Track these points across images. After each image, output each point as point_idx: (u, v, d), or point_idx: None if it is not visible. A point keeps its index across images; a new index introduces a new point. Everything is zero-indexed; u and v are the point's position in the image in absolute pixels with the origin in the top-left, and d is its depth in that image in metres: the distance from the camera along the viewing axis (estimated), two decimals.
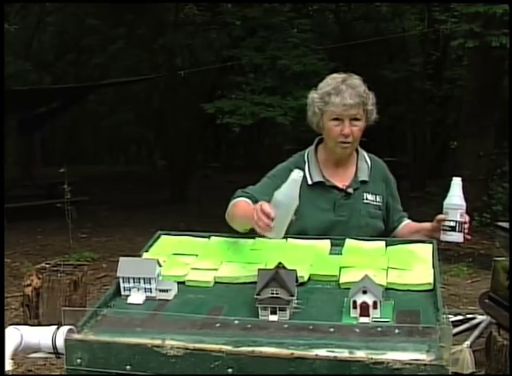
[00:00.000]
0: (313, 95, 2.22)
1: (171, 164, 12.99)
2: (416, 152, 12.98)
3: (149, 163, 20.30)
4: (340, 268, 1.78)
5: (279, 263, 1.63)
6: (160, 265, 1.74)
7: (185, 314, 1.54)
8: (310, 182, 2.24)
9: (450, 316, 3.81)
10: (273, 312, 1.51)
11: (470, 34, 7.40)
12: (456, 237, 2.02)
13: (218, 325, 1.50)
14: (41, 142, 17.90)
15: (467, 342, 3.45)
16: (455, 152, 10.87)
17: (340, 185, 2.25)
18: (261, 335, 1.44)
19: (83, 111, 18.37)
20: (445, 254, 5.80)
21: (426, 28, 11.16)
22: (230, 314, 1.55)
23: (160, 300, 1.67)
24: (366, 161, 2.32)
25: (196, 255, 1.92)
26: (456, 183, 2.04)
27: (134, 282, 1.68)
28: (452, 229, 2.01)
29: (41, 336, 1.69)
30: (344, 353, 1.36)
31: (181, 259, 1.90)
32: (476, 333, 3.71)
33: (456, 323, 3.84)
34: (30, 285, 4.29)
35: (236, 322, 1.50)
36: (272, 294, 1.52)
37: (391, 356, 1.34)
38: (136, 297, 1.67)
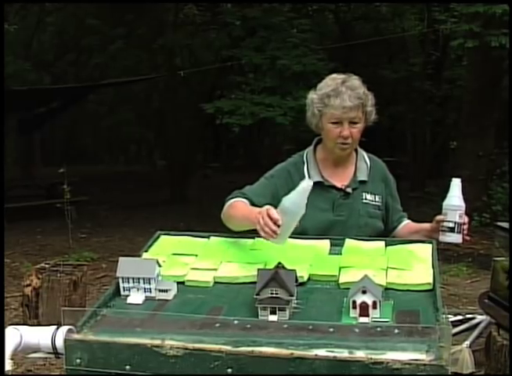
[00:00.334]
0: (312, 96, 2.22)
1: (171, 164, 12.99)
2: (416, 152, 12.98)
3: (149, 163, 20.30)
4: (340, 268, 1.78)
5: (279, 263, 1.63)
6: (160, 266, 1.74)
7: (184, 314, 1.54)
8: None
9: (450, 316, 3.81)
10: (273, 312, 1.51)
11: (470, 34, 7.40)
12: (455, 238, 2.02)
13: (217, 325, 1.50)
14: (41, 142, 17.90)
15: (467, 342, 3.45)
16: (454, 152, 10.87)
17: (338, 185, 2.25)
18: (261, 335, 1.44)
19: (83, 111, 18.37)
20: (445, 255, 5.80)
21: (425, 28, 11.16)
22: (230, 314, 1.55)
23: (159, 300, 1.67)
24: (366, 161, 2.32)
25: (196, 255, 1.92)
26: (456, 184, 2.04)
27: (133, 282, 1.68)
28: (451, 230, 2.01)
29: (40, 336, 1.69)
30: (343, 353, 1.36)
31: (180, 259, 1.90)
32: (475, 333, 3.71)
33: (455, 323, 3.84)
34: (29, 285, 4.29)
35: (236, 322, 1.50)
36: (272, 294, 1.52)
37: (390, 356, 1.34)
38: (136, 297, 1.67)
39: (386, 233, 2.31)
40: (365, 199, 2.26)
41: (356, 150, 2.32)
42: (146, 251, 1.95)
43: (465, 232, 2.04)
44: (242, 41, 9.64)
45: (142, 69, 13.83)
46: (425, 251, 1.89)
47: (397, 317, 1.52)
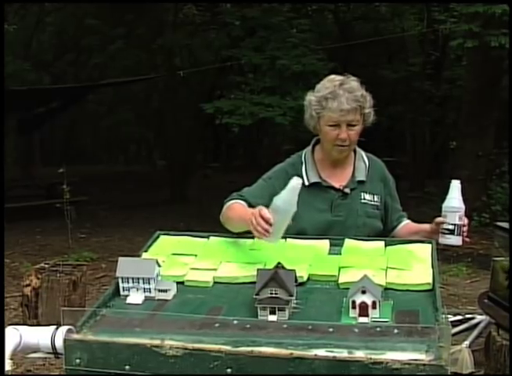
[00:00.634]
0: (310, 98, 2.21)
1: (170, 164, 12.99)
2: (416, 152, 12.98)
3: (148, 163, 20.31)
4: (340, 268, 1.78)
5: (278, 263, 1.63)
6: (160, 266, 1.74)
7: (184, 314, 1.54)
8: (307, 183, 2.24)
9: (449, 316, 3.81)
10: (272, 312, 1.51)
11: (470, 34, 7.40)
12: (455, 240, 2.01)
13: (217, 325, 1.50)
14: (41, 142, 17.91)
15: (466, 342, 3.45)
16: (454, 152, 10.87)
17: (337, 185, 2.25)
18: (260, 335, 1.44)
19: (82, 111, 18.38)
20: (444, 255, 5.79)
21: (425, 28, 11.17)
22: (229, 314, 1.55)
23: (159, 300, 1.67)
24: (364, 161, 2.32)
25: (196, 255, 1.92)
26: (455, 185, 2.04)
27: (133, 282, 1.68)
28: (451, 232, 2.00)
29: (40, 336, 1.69)
30: (343, 353, 1.36)
31: (180, 259, 1.90)
32: (475, 333, 3.71)
33: (455, 323, 3.84)
34: (29, 285, 4.28)
35: (235, 322, 1.50)
36: (271, 294, 1.52)
37: (390, 356, 1.34)
38: (135, 297, 1.67)
39: (385, 233, 2.31)
40: (364, 199, 2.26)
41: (355, 150, 2.32)
42: (145, 251, 1.95)
43: (465, 234, 2.04)
44: (241, 41, 9.64)
45: (142, 69, 13.82)
46: (424, 251, 1.89)
47: (396, 317, 1.52)
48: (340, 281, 1.72)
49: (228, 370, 1.39)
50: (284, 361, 1.37)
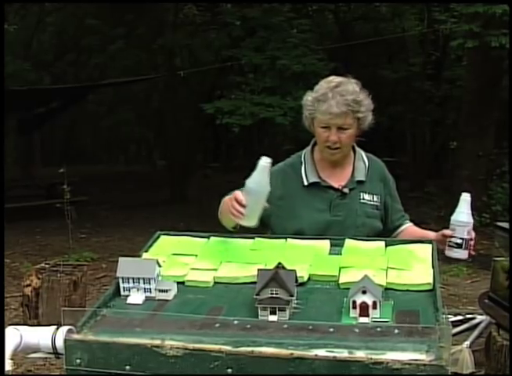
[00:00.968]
0: (307, 98, 2.22)
1: (170, 164, 12.99)
2: (416, 152, 12.98)
3: (148, 163, 20.31)
4: (340, 268, 1.78)
5: (279, 263, 1.63)
6: (160, 266, 1.74)
7: (184, 314, 1.54)
8: (306, 183, 2.25)
9: (450, 316, 3.81)
10: (273, 313, 1.51)
11: (470, 34, 7.40)
12: (462, 254, 2.04)
13: (217, 325, 1.50)
14: (41, 143, 17.90)
15: (467, 342, 3.45)
16: (454, 152, 10.86)
17: (336, 185, 2.25)
18: (261, 335, 1.44)
19: (82, 111, 18.37)
20: (445, 255, 5.80)
21: (425, 28, 11.17)
22: (230, 314, 1.55)
23: (159, 300, 1.67)
24: (364, 161, 2.32)
25: (196, 255, 1.92)
26: (465, 199, 2.04)
27: (133, 282, 1.68)
28: (459, 246, 2.03)
29: (40, 336, 1.69)
30: (343, 353, 1.36)
31: (180, 259, 1.90)
32: (475, 333, 3.71)
33: (455, 323, 3.84)
34: (29, 285, 4.29)
35: (236, 322, 1.50)
36: (272, 294, 1.52)
37: (390, 356, 1.34)
38: (136, 297, 1.67)
39: (386, 233, 2.30)
40: (363, 199, 2.26)
41: (354, 150, 2.32)
42: (145, 251, 1.95)
43: (472, 247, 2.06)
44: (242, 42, 9.64)
45: (142, 69, 13.82)
46: (425, 251, 1.89)
47: (397, 317, 1.52)
48: (340, 281, 1.72)
49: (229, 371, 1.39)
50: (284, 361, 1.37)
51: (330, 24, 14.03)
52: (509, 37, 6.86)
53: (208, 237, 2.06)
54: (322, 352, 1.36)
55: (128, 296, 1.68)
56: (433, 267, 1.77)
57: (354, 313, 1.50)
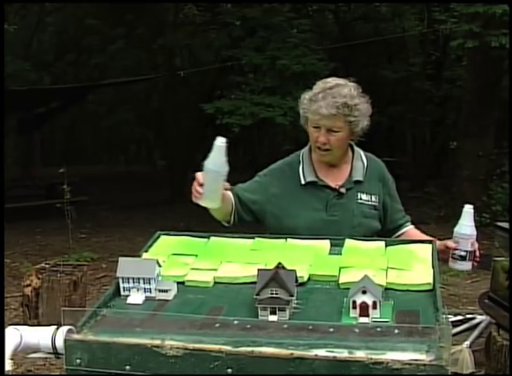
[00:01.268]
0: (304, 97, 2.22)
1: (171, 164, 12.99)
2: (416, 152, 12.98)
3: (149, 163, 20.32)
4: (340, 268, 1.78)
5: (279, 263, 1.63)
6: (160, 266, 1.73)
7: (184, 314, 1.53)
8: (303, 182, 2.25)
9: (450, 316, 3.81)
10: (273, 313, 1.51)
11: (470, 34, 7.41)
12: (466, 266, 2.07)
13: (217, 325, 1.50)
14: (41, 143, 17.92)
15: (467, 342, 3.45)
16: (454, 152, 10.87)
17: (333, 184, 2.25)
18: (261, 335, 1.44)
19: (82, 111, 18.38)
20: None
21: (425, 28, 11.17)
22: (230, 314, 1.55)
23: (159, 300, 1.67)
24: (362, 161, 2.31)
25: (196, 255, 1.92)
26: (468, 211, 2.06)
27: (133, 282, 1.68)
28: (463, 258, 2.06)
29: (40, 336, 1.69)
30: (343, 353, 1.35)
31: (180, 259, 1.90)
32: (475, 333, 3.71)
33: (455, 324, 3.84)
34: (29, 285, 4.29)
35: (236, 322, 1.50)
36: (272, 294, 1.52)
37: (390, 356, 1.34)
38: (136, 297, 1.67)
39: (386, 233, 2.30)
40: (361, 199, 2.26)
41: (353, 150, 2.32)
42: (145, 251, 1.94)
43: (477, 259, 2.08)
44: (242, 42, 9.64)
45: (142, 69, 13.83)
46: (425, 251, 1.89)
47: (397, 317, 1.52)
48: (340, 281, 1.72)
49: (229, 371, 1.39)
50: (284, 361, 1.37)
51: (330, 24, 14.03)
52: (509, 37, 6.87)
53: (208, 237, 2.06)
54: (322, 352, 1.36)
55: (128, 296, 1.68)
56: (433, 267, 1.76)
57: (354, 313, 1.50)
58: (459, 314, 4.13)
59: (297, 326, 1.46)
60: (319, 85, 2.19)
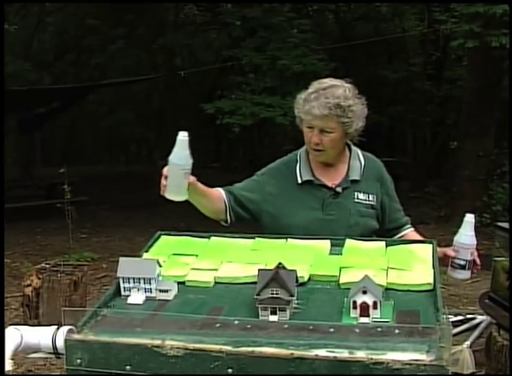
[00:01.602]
0: (300, 97, 2.22)
1: None
2: (416, 152, 12.98)
3: (149, 163, 20.28)
4: (340, 268, 1.78)
5: (279, 263, 1.63)
6: (160, 266, 1.73)
7: (185, 314, 1.53)
8: (300, 181, 2.25)
9: (450, 316, 3.81)
10: (273, 313, 1.51)
11: (470, 35, 7.41)
12: (465, 275, 2.08)
13: (217, 325, 1.50)
14: (41, 143, 17.90)
15: (467, 342, 3.45)
16: (454, 152, 10.87)
17: (329, 184, 2.25)
18: (261, 335, 1.44)
19: (83, 111, 18.37)
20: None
21: (426, 28, 11.17)
22: (230, 314, 1.55)
23: (160, 300, 1.67)
24: (360, 160, 2.31)
25: (196, 255, 1.92)
26: (468, 221, 2.07)
27: (134, 282, 1.68)
28: (462, 267, 2.06)
29: (41, 336, 1.69)
30: (343, 353, 1.35)
31: (181, 259, 1.90)
32: (476, 333, 3.71)
33: (456, 324, 3.84)
34: (30, 285, 4.29)
35: (236, 322, 1.50)
36: (272, 294, 1.52)
37: (390, 356, 1.34)
38: (136, 297, 1.67)
39: (385, 232, 2.30)
40: (357, 198, 2.25)
41: (350, 149, 2.32)
42: (146, 251, 1.94)
43: (477, 267, 2.09)
44: (242, 42, 9.65)
45: (142, 69, 13.84)
46: (425, 251, 1.89)
47: (397, 317, 1.51)
48: (341, 281, 1.72)
49: (229, 371, 1.39)
50: (285, 361, 1.37)
51: (331, 24, 14.04)
52: (509, 37, 6.87)
53: (209, 237, 2.06)
54: (322, 352, 1.36)
55: (128, 296, 1.68)
56: (433, 267, 1.76)
57: (354, 313, 1.50)
58: (460, 314, 4.13)
59: (298, 326, 1.46)
60: (314, 86, 2.19)
